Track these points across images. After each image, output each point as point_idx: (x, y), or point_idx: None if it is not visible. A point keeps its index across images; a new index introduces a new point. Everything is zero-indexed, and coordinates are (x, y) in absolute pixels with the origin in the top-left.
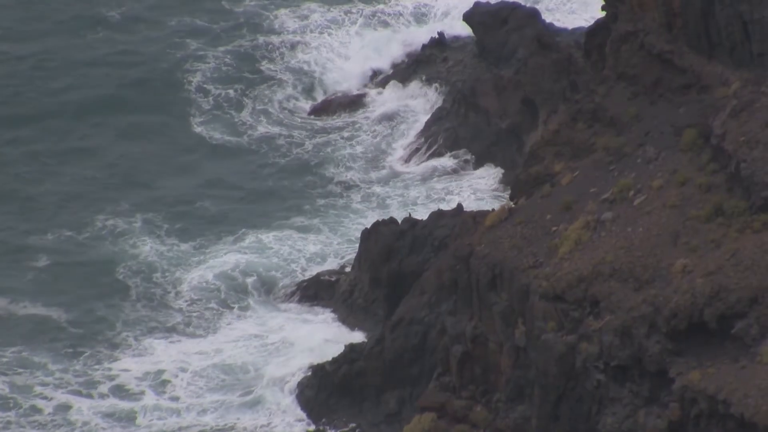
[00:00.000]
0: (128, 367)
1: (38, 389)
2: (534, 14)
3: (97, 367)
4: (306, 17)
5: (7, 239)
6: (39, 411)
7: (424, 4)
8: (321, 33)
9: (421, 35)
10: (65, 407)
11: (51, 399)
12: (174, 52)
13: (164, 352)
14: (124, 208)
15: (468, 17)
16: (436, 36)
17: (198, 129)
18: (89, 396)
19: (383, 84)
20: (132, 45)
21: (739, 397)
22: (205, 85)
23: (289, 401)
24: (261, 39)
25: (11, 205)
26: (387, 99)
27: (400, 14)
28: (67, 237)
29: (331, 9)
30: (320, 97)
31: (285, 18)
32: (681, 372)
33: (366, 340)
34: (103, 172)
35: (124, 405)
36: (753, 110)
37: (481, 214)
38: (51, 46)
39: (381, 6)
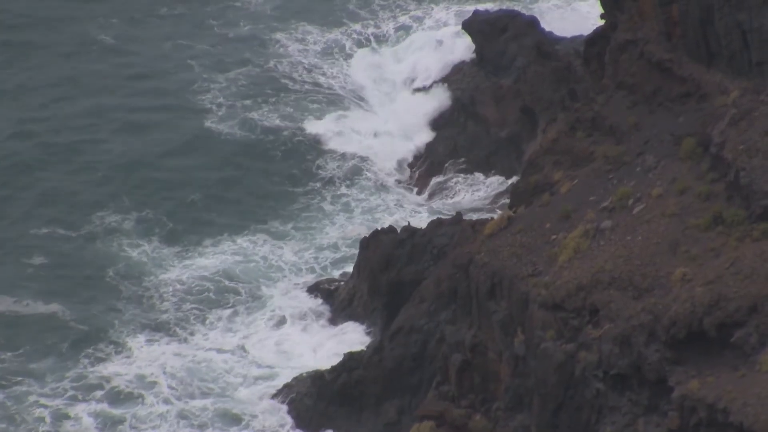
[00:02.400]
0: (119, 371)
1: (34, 398)
2: (533, 23)
3: (91, 370)
4: (304, 40)
5: (5, 237)
6: (39, 420)
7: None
8: (326, 56)
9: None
10: (60, 414)
11: (48, 407)
12: (177, 73)
13: (155, 359)
14: (119, 207)
15: (467, 25)
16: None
17: (207, 127)
18: (85, 401)
19: None
20: (131, 62)
21: (739, 406)
22: (217, 101)
23: (284, 410)
24: (272, 62)
25: (10, 203)
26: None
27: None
28: (63, 235)
29: (328, 31)
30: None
31: (286, 41)
32: (680, 381)
33: (365, 349)
34: (101, 170)
35: (115, 411)
36: (752, 119)
37: (480, 223)
38: (50, 48)
39: (372, 30)
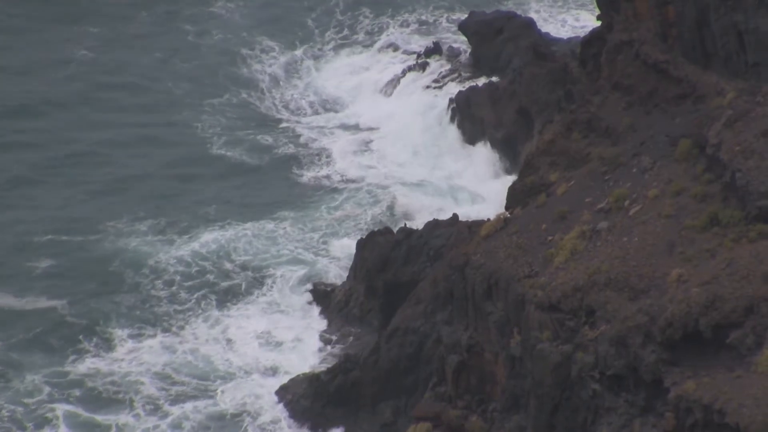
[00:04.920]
0: (111, 367)
1: (22, 393)
2: (529, 24)
3: (79, 367)
4: (277, 58)
5: (13, 244)
6: (19, 422)
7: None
8: (301, 73)
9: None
10: (46, 415)
11: (31, 404)
12: (159, 94)
13: (145, 356)
14: (128, 216)
15: (463, 27)
16: (432, 44)
17: (209, 149)
18: (70, 402)
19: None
20: (112, 77)
21: (735, 407)
22: (214, 129)
23: (279, 411)
24: (252, 92)
25: (16, 213)
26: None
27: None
28: (70, 237)
29: (299, 45)
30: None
31: (263, 58)
32: (676, 382)
33: (361, 350)
34: (107, 183)
35: (102, 412)
36: (748, 120)
37: (476, 224)
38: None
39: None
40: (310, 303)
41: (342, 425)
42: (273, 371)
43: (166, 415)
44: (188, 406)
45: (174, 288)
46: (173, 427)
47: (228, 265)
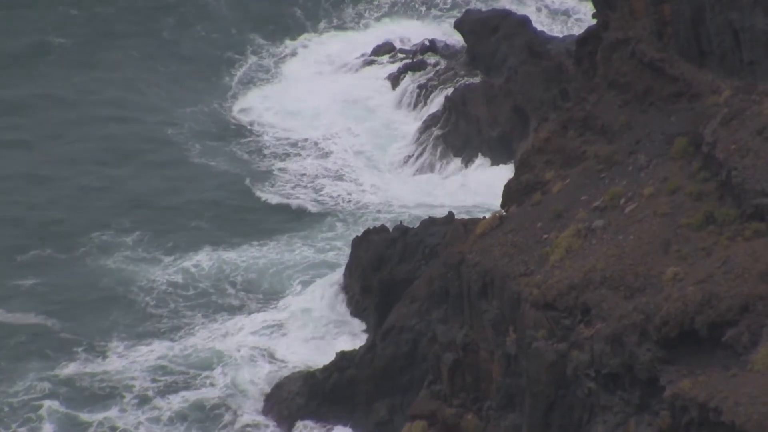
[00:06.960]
0: (98, 370)
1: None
2: (525, 22)
3: (68, 370)
4: (263, 57)
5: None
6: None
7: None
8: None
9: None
10: (31, 414)
11: (18, 406)
12: (139, 101)
13: (140, 360)
14: (115, 229)
15: (459, 25)
16: (427, 42)
17: (191, 160)
18: (59, 401)
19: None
20: (93, 80)
21: (730, 405)
22: (189, 134)
23: (276, 410)
24: (234, 103)
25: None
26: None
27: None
28: (57, 253)
29: (285, 45)
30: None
31: (245, 61)
32: (672, 380)
33: (357, 348)
34: (95, 197)
35: (89, 417)
36: (744, 118)
37: (471, 222)
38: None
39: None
40: (315, 307)
41: (337, 423)
42: (267, 370)
43: (152, 408)
44: (176, 398)
45: (170, 300)
46: (154, 419)
47: (229, 276)
